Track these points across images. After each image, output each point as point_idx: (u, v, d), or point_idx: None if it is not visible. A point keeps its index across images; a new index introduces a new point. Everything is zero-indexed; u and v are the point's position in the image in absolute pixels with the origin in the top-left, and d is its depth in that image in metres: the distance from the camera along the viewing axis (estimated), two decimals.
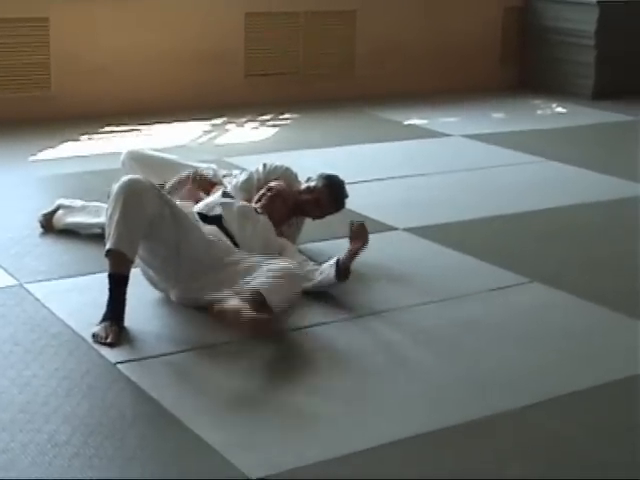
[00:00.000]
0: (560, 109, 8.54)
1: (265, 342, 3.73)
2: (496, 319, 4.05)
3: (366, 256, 4.56)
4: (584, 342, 3.88)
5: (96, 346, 3.62)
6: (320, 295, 4.17)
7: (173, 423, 3.12)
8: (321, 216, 4.65)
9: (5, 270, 4.32)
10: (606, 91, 8.77)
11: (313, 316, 3.97)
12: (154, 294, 4.12)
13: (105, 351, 3.58)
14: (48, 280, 4.25)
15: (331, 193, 4.63)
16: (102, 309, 3.86)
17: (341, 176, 4.72)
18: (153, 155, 5.16)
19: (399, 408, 3.30)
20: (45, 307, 3.96)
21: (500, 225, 5.29)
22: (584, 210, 5.59)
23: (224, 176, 4.89)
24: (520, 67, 9.41)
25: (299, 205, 4.57)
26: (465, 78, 9.09)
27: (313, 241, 4.79)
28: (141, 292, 4.12)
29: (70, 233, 4.77)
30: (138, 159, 5.02)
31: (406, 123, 7.71)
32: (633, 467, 3.01)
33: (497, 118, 8.13)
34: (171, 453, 2.98)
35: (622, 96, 8.68)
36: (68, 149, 6.49)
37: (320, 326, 3.89)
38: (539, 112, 8.46)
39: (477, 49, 9.18)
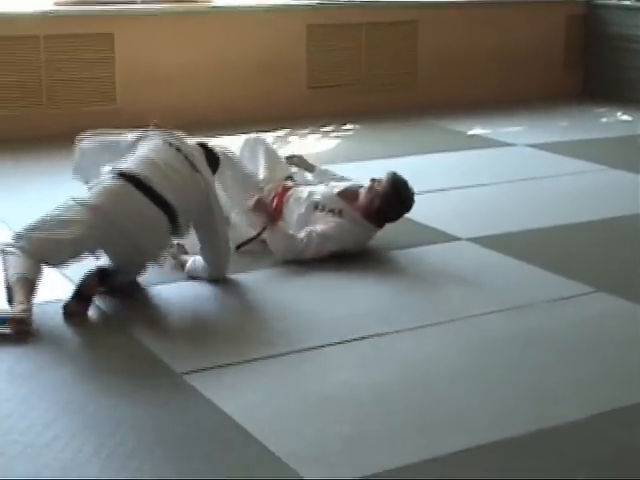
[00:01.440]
0: (625, 117, 8.45)
1: (334, 350, 3.74)
2: (561, 329, 4.01)
3: (430, 266, 4.56)
4: None
5: (163, 357, 3.65)
6: (380, 304, 4.18)
7: (240, 433, 3.14)
8: (381, 210, 4.69)
9: (70, 280, 4.38)
10: None
11: (374, 325, 3.98)
12: (218, 303, 4.16)
13: (171, 361, 3.61)
14: None
15: (394, 189, 4.69)
16: (171, 319, 3.93)
17: None
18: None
19: (463, 418, 3.28)
20: (109, 317, 4.01)
21: (564, 234, 5.25)
22: None
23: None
24: (584, 75, 9.33)
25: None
26: (529, 87, 9.04)
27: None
28: (205, 301, 4.17)
29: None
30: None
31: (469, 133, 7.69)
32: None
33: (561, 127, 8.06)
34: (238, 464, 2.99)
35: None
36: None
37: (383, 336, 3.89)
38: (603, 120, 8.38)
39: (540, 57, 9.12)
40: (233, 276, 4.43)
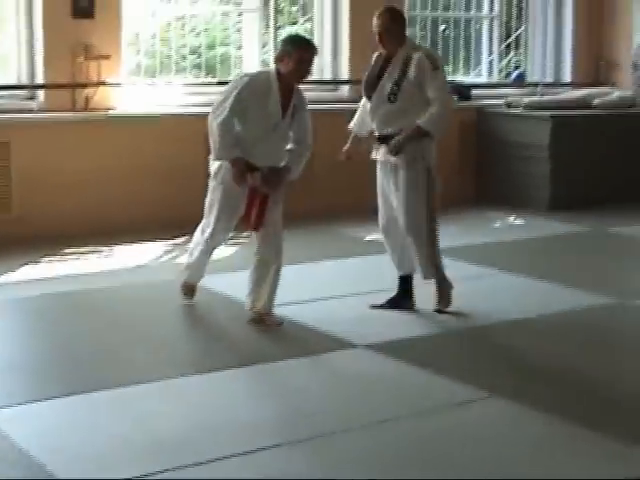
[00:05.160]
0: (518, 221, 8.65)
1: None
2: (457, 435, 4.04)
3: (321, 375, 4.58)
4: (547, 455, 3.89)
5: None
6: (267, 412, 4.16)
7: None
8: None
9: None
10: (561, 203, 8.92)
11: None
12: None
13: None
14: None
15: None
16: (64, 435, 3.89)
17: (299, 295, 4.75)
18: None
19: None
20: None
21: (460, 341, 5.31)
22: (536, 321, 5.62)
23: None
24: (477, 180, 9.54)
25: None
26: None
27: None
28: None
29: (27, 359, 4.77)
30: None
31: (367, 239, 7.75)
32: None
33: (453, 231, 8.17)
34: None
35: (577, 207, 8.83)
36: (28, 272, 6.48)
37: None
38: (496, 225, 8.57)
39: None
40: None
